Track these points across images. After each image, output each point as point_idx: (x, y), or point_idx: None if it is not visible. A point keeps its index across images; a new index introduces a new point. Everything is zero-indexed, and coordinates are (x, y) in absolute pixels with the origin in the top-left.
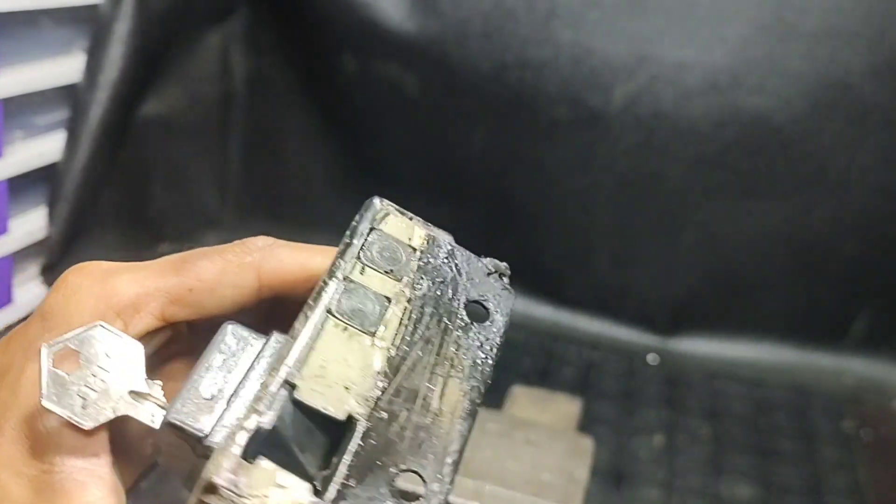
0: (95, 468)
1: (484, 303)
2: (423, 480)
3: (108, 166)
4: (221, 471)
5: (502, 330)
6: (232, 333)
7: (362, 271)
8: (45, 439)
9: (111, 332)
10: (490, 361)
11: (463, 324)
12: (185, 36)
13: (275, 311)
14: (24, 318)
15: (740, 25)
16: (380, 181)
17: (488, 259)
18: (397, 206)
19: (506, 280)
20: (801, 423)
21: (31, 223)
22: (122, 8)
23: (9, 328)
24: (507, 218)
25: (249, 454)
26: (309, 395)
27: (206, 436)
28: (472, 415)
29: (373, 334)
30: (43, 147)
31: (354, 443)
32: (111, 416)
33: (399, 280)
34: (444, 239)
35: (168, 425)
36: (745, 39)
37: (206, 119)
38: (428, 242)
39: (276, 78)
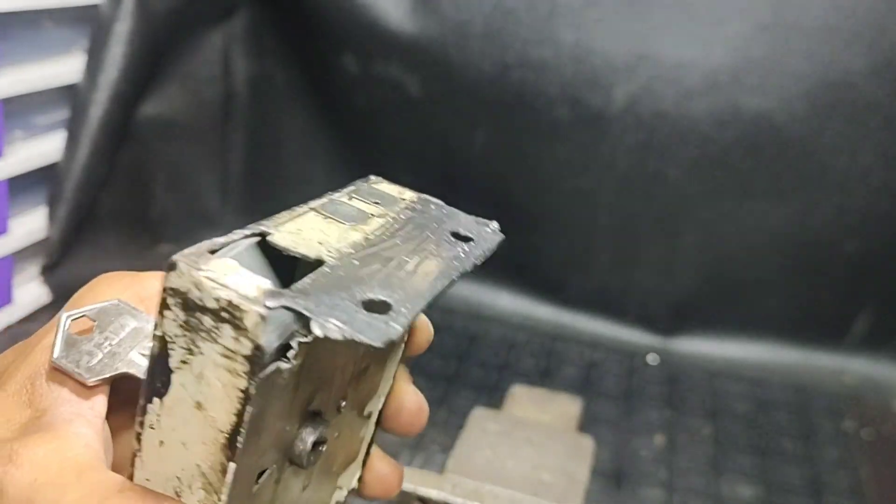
0: (86, 413)
1: (467, 234)
2: (390, 306)
3: (109, 167)
4: (182, 255)
5: (483, 253)
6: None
7: (349, 199)
8: (43, 392)
9: (128, 308)
10: (468, 262)
11: (447, 238)
12: (186, 36)
13: None
14: (25, 319)
15: (741, 25)
16: None
17: (474, 218)
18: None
19: (492, 227)
20: (802, 423)
21: (32, 223)
22: (123, 8)
23: (9, 328)
24: (507, 217)
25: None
26: (281, 240)
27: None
28: (447, 277)
29: (352, 226)
30: (43, 147)
31: (321, 271)
32: (113, 373)
33: (384, 209)
34: (435, 200)
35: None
36: (745, 39)
37: (206, 119)
38: (419, 200)
39: (277, 78)
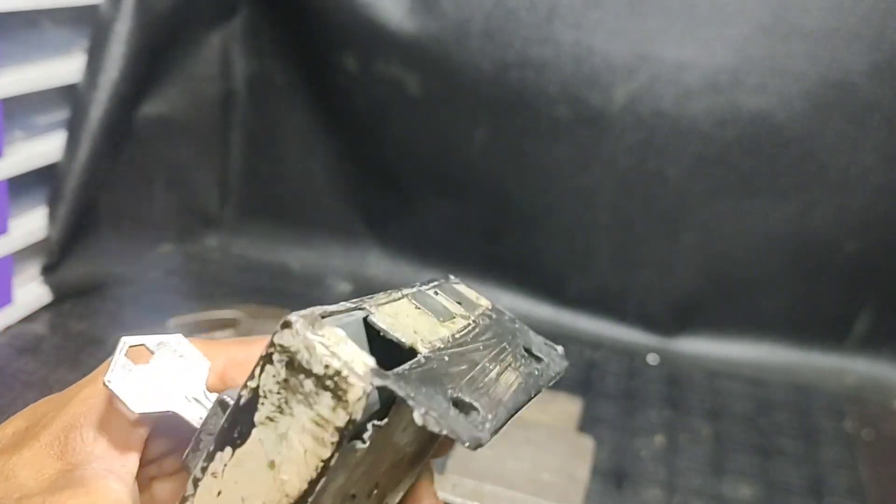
0: (118, 469)
1: (538, 354)
2: (478, 410)
3: (109, 166)
4: (299, 315)
5: (553, 376)
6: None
7: (435, 293)
8: (77, 446)
9: (186, 344)
10: (541, 381)
11: (521, 352)
12: (186, 36)
13: None
14: (25, 319)
15: (741, 25)
16: (381, 181)
17: (544, 339)
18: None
19: (559, 350)
20: (803, 423)
21: (32, 223)
22: (123, 8)
23: (9, 328)
24: (507, 217)
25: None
26: (381, 321)
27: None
28: (526, 393)
29: (441, 321)
30: (43, 147)
31: (418, 360)
32: (161, 409)
33: (465, 311)
34: (509, 313)
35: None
36: (745, 39)
37: (206, 119)
38: (493, 309)
39: (277, 78)
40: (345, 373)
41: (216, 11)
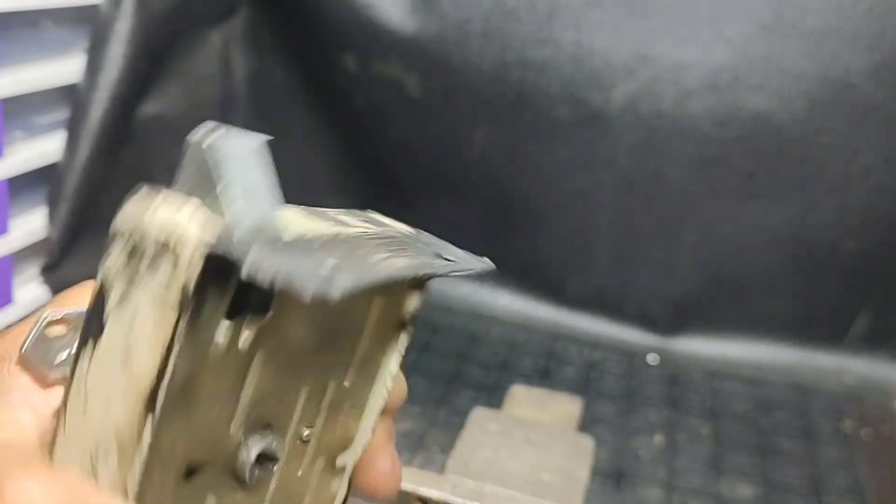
0: (37, 403)
1: (452, 258)
2: (341, 269)
3: (109, 166)
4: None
5: (462, 270)
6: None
7: (336, 214)
8: (2, 378)
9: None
10: (440, 270)
11: (427, 254)
12: (186, 36)
13: None
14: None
15: (741, 25)
16: (381, 181)
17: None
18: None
19: (485, 260)
20: (802, 423)
21: (32, 223)
22: (123, 8)
23: (9, 328)
24: (507, 217)
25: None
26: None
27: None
28: (412, 270)
29: (335, 225)
30: (43, 147)
31: (287, 241)
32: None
33: (370, 225)
34: (433, 237)
35: None
36: (745, 39)
37: (206, 119)
38: (415, 231)
39: (277, 78)
40: (180, 231)
41: (216, 11)
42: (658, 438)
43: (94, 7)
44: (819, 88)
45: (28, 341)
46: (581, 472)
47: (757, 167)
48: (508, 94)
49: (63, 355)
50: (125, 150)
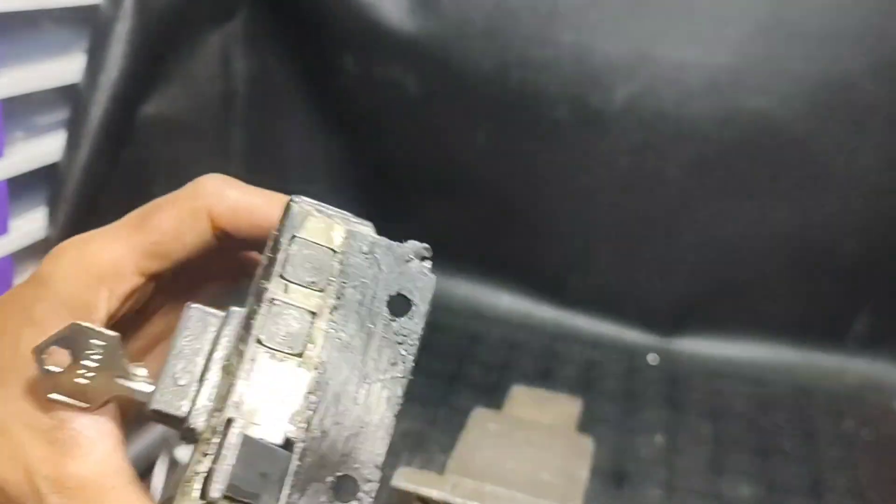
0: (103, 426)
1: (406, 294)
2: (357, 483)
3: (109, 166)
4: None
5: (423, 317)
6: (193, 316)
7: (286, 290)
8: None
9: (87, 327)
10: (411, 356)
11: (385, 321)
12: (187, 36)
13: (241, 243)
14: None
15: (741, 26)
16: (381, 181)
17: (409, 244)
18: (317, 204)
19: (426, 263)
20: (802, 423)
21: (32, 223)
22: (123, 8)
23: None
24: (507, 217)
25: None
26: (250, 430)
27: (186, 417)
28: (395, 410)
29: (300, 355)
30: (43, 147)
31: (293, 464)
32: (108, 397)
33: (322, 291)
34: (365, 233)
35: (153, 412)
36: (746, 39)
37: (207, 119)
38: (348, 240)
39: (278, 78)
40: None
41: (217, 11)
42: (658, 438)
43: (94, 7)
44: (820, 89)
45: (46, 385)
46: (581, 472)
47: (757, 168)
48: (509, 95)
49: (87, 383)
50: (126, 150)
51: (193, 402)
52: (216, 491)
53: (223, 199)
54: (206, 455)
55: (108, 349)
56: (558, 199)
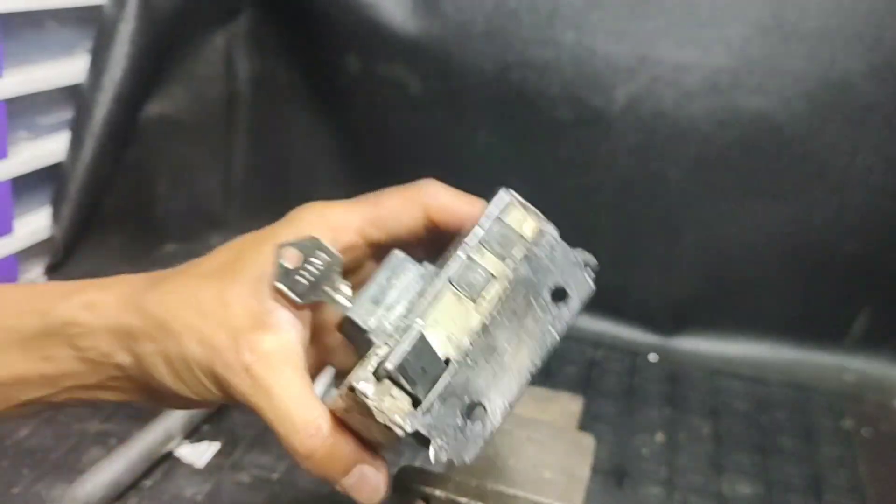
0: (297, 324)
1: (566, 288)
2: (486, 411)
3: (113, 166)
4: (359, 379)
5: (575, 312)
6: (395, 258)
7: (481, 253)
8: (268, 293)
9: (321, 242)
10: (556, 336)
11: (544, 303)
12: (190, 37)
13: (436, 239)
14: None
15: (741, 26)
16: (383, 181)
17: (581, 251)
18: (521, 199)
19: (590, 271)
20: (802, 421)
21: (36, 223)
22: (127, 9)
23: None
24: None
25: (381, 376)
26: (431, 337)
27: (368, 332)
28: (531, 373)
29: (475, 301)
30: (47, 147)
31: (445, 379)
32: (316, 299)
33: (505, 263)
34: (551, 232)
35: (346, 318)
36: (745, 40)
37: (210, 119)
38: (536, 234)
39: (281, 78)
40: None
41: (220, 12)
42: (659, 437)
43: (98, 8)
44: (819, 89)
45: (276, 273)
46: (582, 470)
47: (757, 168)
48: (510, 95)
49: (304, 283)
50: (129, 150)
51: (379, 321)
52: (391, 364)
53: (437, 197)
54: (386, 345)
55: (330, 264)
56: (559, 199)
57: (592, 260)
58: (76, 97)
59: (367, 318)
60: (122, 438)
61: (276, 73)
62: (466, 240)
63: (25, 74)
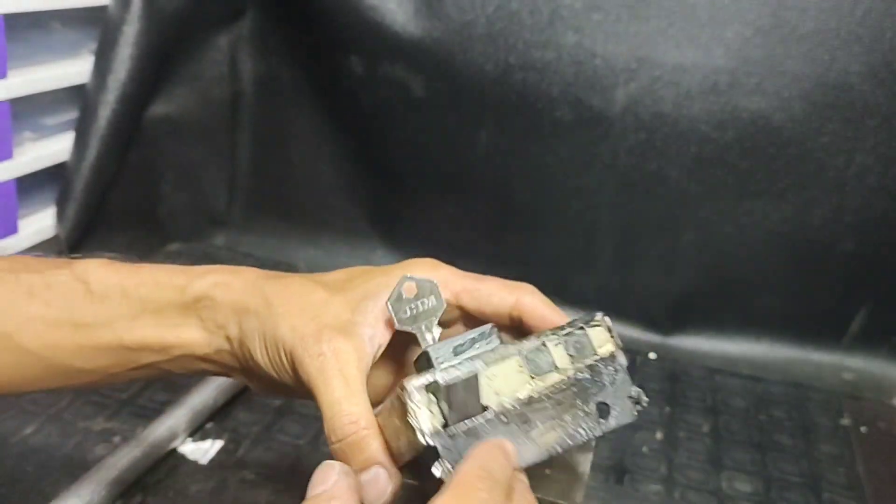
0: (377, 335)
1: (612, 408)
2: None
3: (117, 166)
4: (412, 382)
5: (609, 430)
6: (489, 326)
7: (556, 345)
8: (366, 311)
9: (437, 289)
10: (585, 437)
11: (588, 409)
12: (194, 37)
13: (513, 330)
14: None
15: (739, 27)
16: (386, 180)
17: (637, 389)
18: (611, 325)
19: (638, 407)
20: (801, 419)
21: (40, 223)
22: (131, 10)
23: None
24: (510, 217)
25: (430, 388)
26: (482, 385)
27: (435, 368)
28: (550, 454)
29: (532, 378)
30: (52, 147)
31: (478, 420)
32: (410, 330)
33: (571, 363)
34: (621, 360)
35: (424, 354)
36: (744, 41)
37: (214, 120)
38: (608, 356)
39: (284, 79)
40: (416, 429)
41: (224, 13)
42: (658, 434)
43: (102, 9)
44: (817, 90)
45: (393, 295)
46: (582, 467)
47: (756, 168)
48: (511, 96)
49: (408, 313)
50: (133, 151)
51: (443, 362)
52: (443, 380)
53: (533, 297)
54: (446, 371)
55: (434, 308)
56: (559, 199)
57: (644, 399)
58: (81, 98)
59: (437, 357)
60: (127, 436)
61: (279, 74)
62: (550, 331)
63: (30, 75)
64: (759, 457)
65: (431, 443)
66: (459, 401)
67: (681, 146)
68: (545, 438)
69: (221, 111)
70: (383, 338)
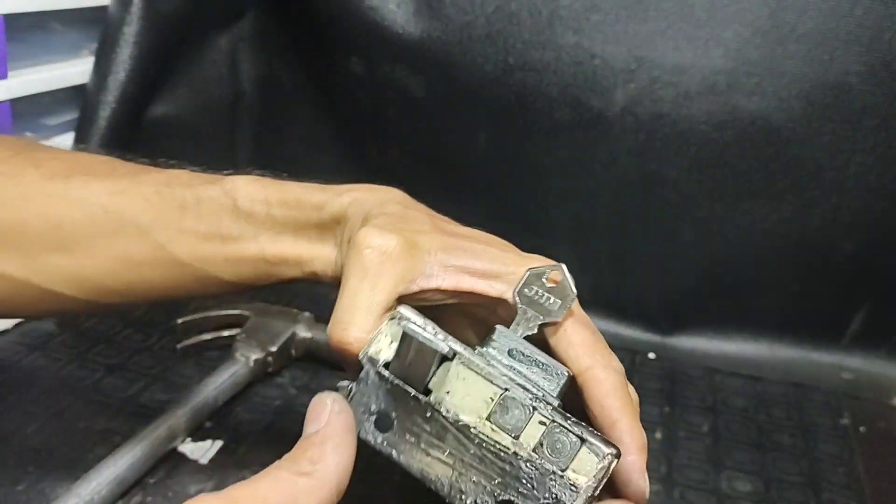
0: (433, 282)
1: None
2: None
3: None
4: (404, 308)
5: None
6: (565, 372)
7: (540, 422)
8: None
9: (566, 305)
10: (458, 502)
11: (492, 493)
12: (194, 38)
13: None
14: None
15: (738, 28)
16: (385, 180)
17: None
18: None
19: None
20: (800, 419)
21: None
22: (131, 10)
23: (19, 325)
24: (509, 217)
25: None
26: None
27: (447, 336)
28: (423, 480)
29: (486, 419)
30: None
31: (408, 389)
32: (518, 303)
33: (533, 448)
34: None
35: (493, 329)
36: (742, 42)
37: (214, 121)
38: (570, 483)
39: (285, 80)
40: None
41: (224, 14)
42: (658, 434)
43: (102, 9)
44: (816, 91)
45: (538, 269)
46: None
47: (754, 168)
48: (510, 97)
49: (535, 292)
50: (133, 151)
51: (488, 347)
52: (408, 328)
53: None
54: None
55: (549, 310)
56: (559, 200)
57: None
58: (81, 98)
59: (494, 342)
60: (127, 436)
61: (280, 75)
62: (559, 406)
63: (30, 75)
64: (759, 456)
65: (363, 361)
66: (406, 357)
67: (680, 147)
68: (435, 467)
69: (221, 111)
70: (445, 284)
